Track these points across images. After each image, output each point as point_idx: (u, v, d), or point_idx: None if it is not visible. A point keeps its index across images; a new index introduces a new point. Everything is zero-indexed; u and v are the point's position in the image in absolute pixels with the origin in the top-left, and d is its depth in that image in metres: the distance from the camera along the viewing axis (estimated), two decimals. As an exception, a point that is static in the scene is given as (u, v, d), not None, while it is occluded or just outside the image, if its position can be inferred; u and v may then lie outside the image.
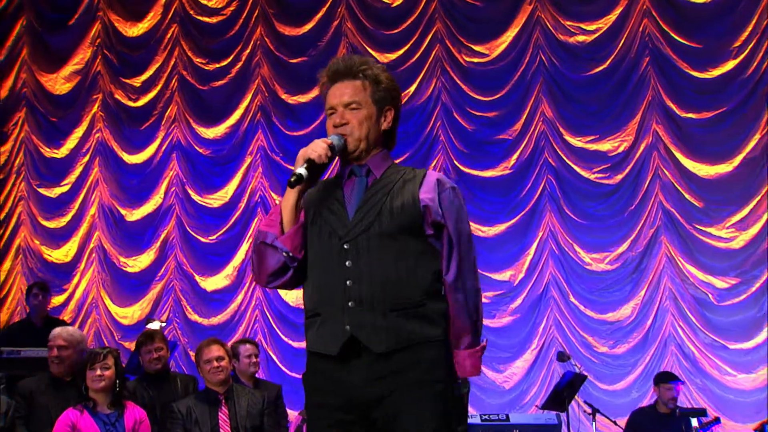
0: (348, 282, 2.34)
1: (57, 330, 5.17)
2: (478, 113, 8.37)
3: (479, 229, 8.13)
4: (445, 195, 2.44)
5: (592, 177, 8.06)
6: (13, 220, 9.31)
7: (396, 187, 2.44)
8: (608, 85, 8.16)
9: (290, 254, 2.41)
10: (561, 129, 8.20)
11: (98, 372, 4.53)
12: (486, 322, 7.90)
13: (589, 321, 7.84)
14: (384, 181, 2.46)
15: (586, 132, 8.14)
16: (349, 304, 2.33)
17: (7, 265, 9.23)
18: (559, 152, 8.17)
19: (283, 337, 8.30)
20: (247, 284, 8.49)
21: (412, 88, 8.52)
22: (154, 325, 6.43)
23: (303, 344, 8.07)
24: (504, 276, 8.03)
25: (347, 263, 2.35)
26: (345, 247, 2.36)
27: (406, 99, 8.51)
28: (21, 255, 9.23)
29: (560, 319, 7.89)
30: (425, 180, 2.45)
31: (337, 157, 2.46)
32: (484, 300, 7.94)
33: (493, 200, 8.19)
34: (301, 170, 2.35)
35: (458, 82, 8.48)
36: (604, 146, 8.08)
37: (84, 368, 4.58)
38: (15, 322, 7.67)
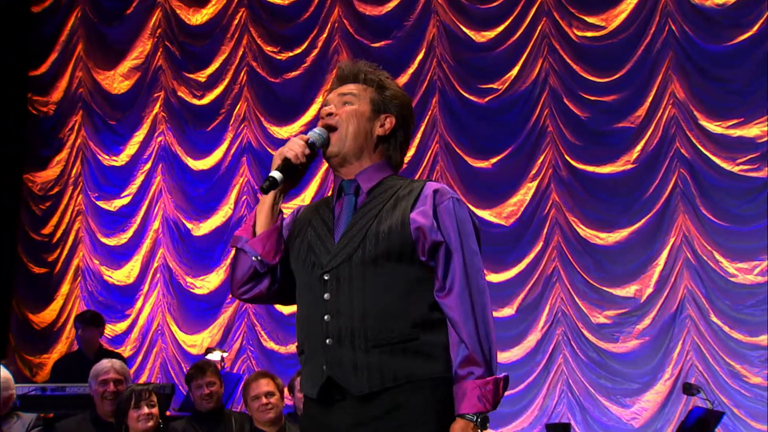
0: (326, 317, 2.39)
1: (106, 363, 5.37)
2: (593, 98, 8.25)
3: (596, 236, 8.02)
4: (444, 206, 2.45)
5: (735, 169, 7.83)
6: (71, 237, 9.75)
7: (386, 207, 2.46)
8: (755, 57, 7.91)
9: (260, 258, 2.48)
10: (696, 112, 8.01)
11: (145, 410, 4.66)
12: (608, 346, 7.86)
13: (737, 345, 7.62)
14: (374, 201, 2.49)
15: (728, 115, 7.92)
16: (327, 341, 2.38)
17: (65, 288, 9.67)
18: (694, 141, 7.97)
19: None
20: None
21: (514, 72, 8.50)
22: (215, 356, 6.62)
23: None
24: (628, 292, 7.90)
25: (325, 296, 2.40)
26: (325, 278, 2.42)
27: (507, 84, 8.51)
28: (80, 277, 9.66)
29: (699, 342, 7.71)
30: (421, 194, 2.46)
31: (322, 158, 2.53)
32: (604, 320, 7.81)
33: (613, 201, 8.07)
34: (275, 174, 2.43)
35: (569, 61, 8.40)
36: (751, 132, 7.83)
37: (125, 408, 4.73)
38: (67, 354, 8.04)
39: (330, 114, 2.52)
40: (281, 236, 2.53)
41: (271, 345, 8.80)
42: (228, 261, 9.10)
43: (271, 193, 2.49)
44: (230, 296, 9.04)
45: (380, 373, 2.34)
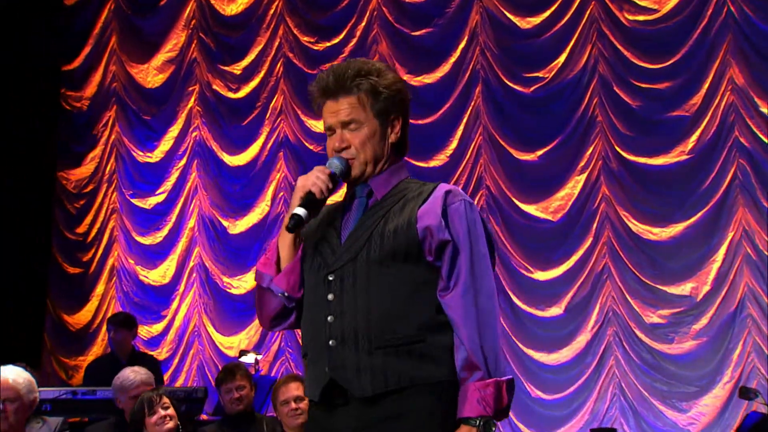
0: (329, 318, 2.44)
1: (131, 376, 5.44)
2: (645, 85, 8.18)
3: (649, 231, 7.95)
4: (454, 207, 2.47)
5: (799, 159, 7.74)
6: (106, 236, 9.90)
7: (395, 208, 2.51)
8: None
9: (286, 294, 2.54)
10: (756, 99, 7.90)
11: (161, 413, 4.74)
12: (662, 347, 7.79)
13: (803, 346, 7.52)
14: (384, 202, 2.54)
15: (791, 101, 7.82)
16: (330, 342, 2.42)
17: (100, 288, 9.83)
18: (754, 129, 7.87)
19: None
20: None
21: (561, 59, 8.45)
22: (248, 359, 6.70)
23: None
24: (683, 289, 7.82)
25: (329, 297, 2.45)
26: (329, 278, 2.47)
27: (553, 72, 8.47)
28: (115, 277, 9.82)
29: (761, 343, 7.61)
30: (432, 196, 2.49)
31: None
32: (658, 320, 7.74)
33: (666, 194, 7.99)
34: (299, 211, 2.48)
35: (619, 47, 8.32)
36: (817, 118, 7.72)
37: (140, 418, 4.81)
38: (99, 357, 8.17)
39: (344, 148, 2.54)
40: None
41: (310, 347, 8.84)
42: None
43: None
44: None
45: (384, 375, 2.37)
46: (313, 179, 2.51)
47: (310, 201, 2.50)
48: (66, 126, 10.23)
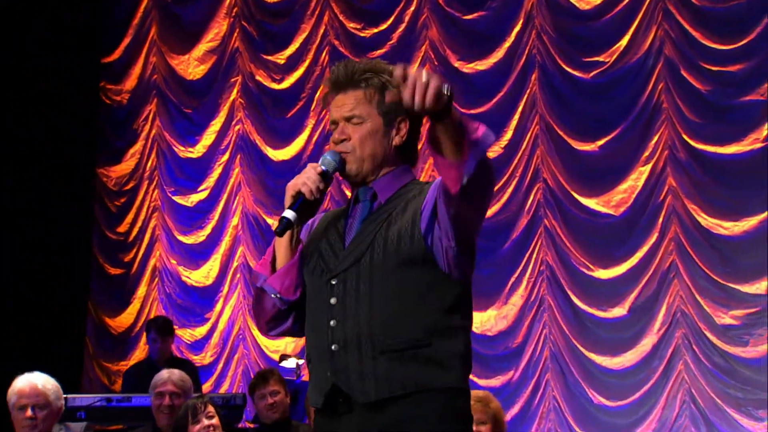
0: (331, 322, 2.52)
1: (164, 374, 5.60)
2: (715, 68, 8.06)
3: (720, 226, 7.85)
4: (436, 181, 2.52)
5: None
6: (147, 236, 10.01)
7: (397, 210, 2.58)
8: None
9: (279, 295, 2.63)
10: (841, 80, 7.75)
11: (205, 422, 4.84)
12: (735, 351, 7.68)
13: None
14: (388, 205, 2.61)
15: None
16: (333, 347, 2.50)
17: (142, 290, 9.96)
18: (839, 113, 7.73)
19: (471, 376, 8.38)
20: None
21: (624, 41, 8.35)
22: (289, 363, 6.75)
23: (491, 383, 8.19)
24: (759, 288, 7.70)
25: (332, 301, 2.53)
26: (332, 283, 2.55)
27: (615, 55, 8.38)
28: (157, 278, 9.94)
29: None
30: (431, 187, 2.55)
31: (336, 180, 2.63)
32: (730, 321, 7.64)
33: (739, 185, 7.89)
34: (288, 214, 2.56)
35: (687, 27, 8.20)
36: None
37: (183, 425, 4.91)
38: (137, 363, 8.29)
39: (343, 140, 2.62)
40: (302, 269, 2.65)
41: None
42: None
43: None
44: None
45: (387, 380, 2.44)
46: (303, 179, 2.58)
47: (300, 202, 2.56)
48: (106, 121, 10.36)
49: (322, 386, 2.52)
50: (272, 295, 2.62)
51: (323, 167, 2.60)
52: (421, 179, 2.74)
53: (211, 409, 4.91)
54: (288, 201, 2.58)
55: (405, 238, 2.51)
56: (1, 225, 9.21)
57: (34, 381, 4.88)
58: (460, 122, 2.32)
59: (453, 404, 2.46)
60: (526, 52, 8.70)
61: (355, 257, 2.54)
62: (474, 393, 5.28)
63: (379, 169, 2.64)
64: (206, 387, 9.04)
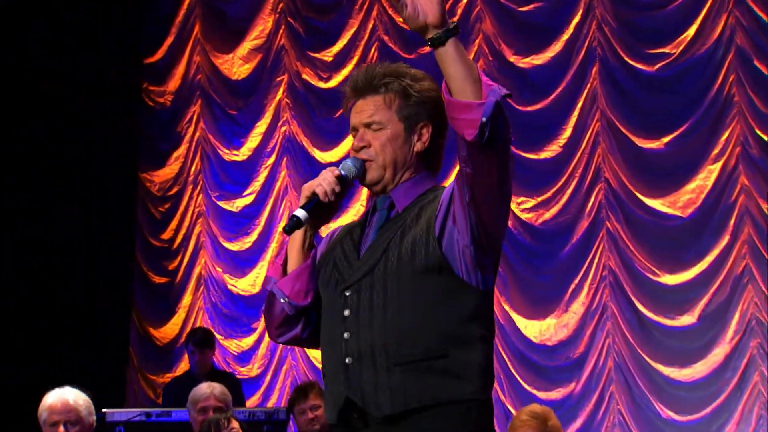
0: (345, 334, 2.56)
1: (205, 389, 5.68)
2: (791, 58, 7.94)
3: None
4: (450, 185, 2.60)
5: None
6: (191, 243, 10.02)
7: (411, 217, 2.61)
8: None
9: (288, 299, 2.66)
10: None
11: None
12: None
13: None
14: (404, 213, 2.65)
15: None
16: (346, 360, 2.55)
17: (187, 300, 9.97)
18: None
19: (524, 385, 8.34)
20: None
21: (691, 31, 8.22)
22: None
23: (552, 395, 8.10)
24: None
25: (345, 312, 2.58)
26: (346, 294, 2.60)
27: (682, 46, 8.26)
28: (202, 286, 9.96)
29: None
30: (444, 191, 2.60)
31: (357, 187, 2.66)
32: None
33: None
34: (299, 213, 2.62)
35: (760, 13, 8.07)
36: None
37: None
38: (177, 376, 8.33)
39: (363, 147, 2.68)
40: (314, 274, 2.71)
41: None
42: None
43: (300, 230, 2.68)
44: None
45: (403, 393, 2.47)
46: (320, 180, 2.65)
47: (314, 203, 2.61)
48: (149, 123, 10.41)
49: (336, 401, 2.56)
50: (281, 300, 2.67)
51: (342, 172, 2.65)
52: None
53: (235, 425, 4.95)
54: (302, 201, 2.64)
55: (420, 246, 2.54)
56: (43, 232, 9.29)
57: (65, 396, 4.93)
58: (471, 62, 2.41)
59: (471, 417, 2.48)
60: (586, 44, 8.61)
61: (368, 267, 2.58)
62: (531, 409, 5.29)
63: (400, 176, 2.68)
64: (253, 400, 9.04)
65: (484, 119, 2.33)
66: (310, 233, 2.70)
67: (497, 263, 2.62)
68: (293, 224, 2.61)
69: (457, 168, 2.55)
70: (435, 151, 2.71)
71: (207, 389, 5.64)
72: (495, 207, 2.50)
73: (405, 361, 2.47)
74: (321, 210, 2.65)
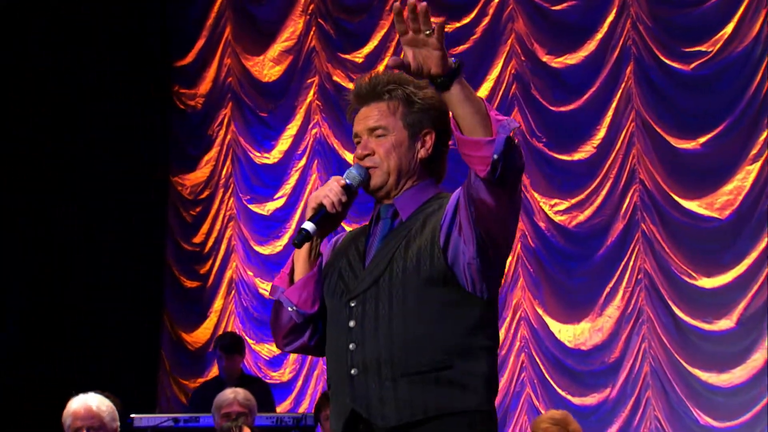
0: (350, 346, 2.59)
1: (228, 394, 5.80)
2: (836, 55, 7.84)
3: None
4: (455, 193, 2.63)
5: None
6: (223, 246, 10.04)
7: (416, 227, 2.65)
8: None
9: (296, 308, 2.70)
10: None
11: None
12: None
13: None
14: (407, 223, 2.68)
15: None
16: (352, 372, 2.58)
17: (218, 304, 9.99)
18: None
19: (559, 390, 8.27)
20: (509, 317, 8.53)
21: (728, 29, 8.14)
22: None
23: (587, 401, 8.04)
24: None
25: (350, 324, 2.61)
26: (351, 305, 2.63)
27: (719, 44, 8.18)
28: (234, 290, 9.97)
29: None
30: (450, 200, 2.63)
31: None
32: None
33: None
34: (308, 226, 2.66)
35: (800, 10, 7.99)
36: None
37: None
38: (206, 382, 8.35)
39: (367, 155, 2.73)
40: (320, 282, 2.76)
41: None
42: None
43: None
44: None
45: (409, 404, 2.49)
46: (326, 191, 2.69)
47: (321, 215, 2.65)
48: (180, 126, 10.46)
49: (341, 413, 2.58)
50: (289, 308, 2.70)
51: (347, 181, 2.70)
52: None
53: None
54: (309, 213, 2.69)
55: (424, 257, 2.57)
56: (73, 237, 9.34)
57: (89, 403, 4.99)
58: (479, 99, 2.45)
59: (476, 428, 2.50)
60: (621, 43, 8.55)
61: (373, 278, 2.61)
62: (550, 415, 5.25)
63: (404, 183, 2.72)
64: (285, 405, 9.04)
65: (495, 156, 2.37)
66: (316, 242, 2.74)
67: (502, 273, 2.66)
68: (303, 237, 2.65)
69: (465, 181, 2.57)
70: (438, 158, 2.76)
71: (231, 395, 5.75)
72: (503, 224, 2.55)
73: (410, 372, 2.50)
74: (328, 220, 2.69)
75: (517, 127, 2.45)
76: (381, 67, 9.22)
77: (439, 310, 2.54)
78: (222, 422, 5.56)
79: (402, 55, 2.50)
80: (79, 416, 4.87)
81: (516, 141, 2.45)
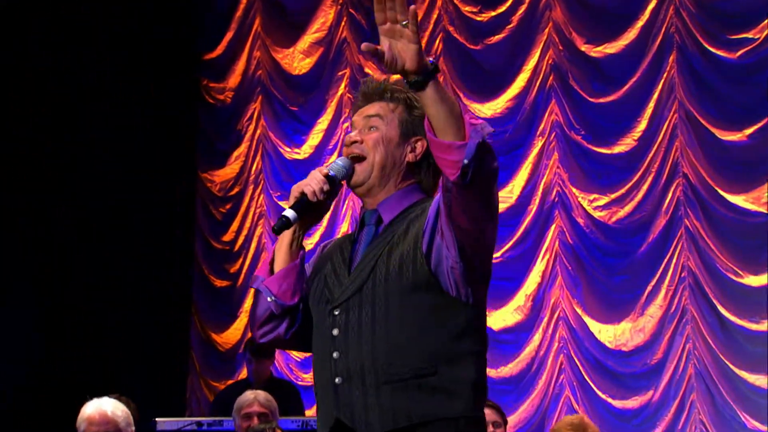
0: (334, 354, 2.64)
1: (249, 395, 5.90)
2: None
3: None
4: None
5: None
6: (253, 245, 9.99)
7: (399, 233, 2.69)
8: None
9: (275, 298, 2.74)
10: None
11: None
12: None
13: None
14: (391, 227, 2.73)
15: None
16: (336, 380, 2.63)
17: (248, 304, 9.91)
18: None
19: (599, 393, 8.18)
20: (546, 318, 8.46)
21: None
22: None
23: (628, 404, 7.93)
24: None
25: (334, 332, 2.65)
26: (335, 313, 2.67)
27: (766, 32, 8.03)
28: (264, 291, 9.92)
29: None
30: (432, 204, 2.65)
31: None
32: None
33: None
34: (288, 213, 2.69)
35: None
36: None
37: None
38: (232, 384, 8.31)
39: (355, 142, 2.79)
40: (302, 275, 2.81)
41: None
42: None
43: (289, 230, 2.76)
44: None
45: (392, 412, 2.54)
46: (308, 180, 2.73)
47: (303, 203, 2.69)
48: (209, 121, 10.44)
49: (326, 421, 2.63)
50: (268, 299, 2.74)
51: (331, 171, 2.74)
52: None
53: None
54: (290, 201, 2.73)
55: (407, 263, 2.61)
56: (100, 235, 9.33)
57: (103, 408, 4.97)
58: (454, 101, 2.49)
59: None
60: (663, 31, 8.46)
61: (357, 286, 2.65)
62: (569, 420, 5.23)
63: (387, 182, 2.77)
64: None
65: (466, 161, 2.42)
66: (299, 234, 2.78)
67: (488, 276, 2.67)
68: (282, 224, 2.67)
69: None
70: (427, 166, 2.79)
71: (251, 396, 5.84)
72: (479, 227, 2.57)
73: (394, 379, 2.54)
74: (310, 210, 2.72)
75: (491, 132, 2.47)
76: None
77: (423, 316, 2.58)
78: (242, 423, 5.63)
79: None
80: (94, 422, 4.88)
81: (489, 146, 2.47)
